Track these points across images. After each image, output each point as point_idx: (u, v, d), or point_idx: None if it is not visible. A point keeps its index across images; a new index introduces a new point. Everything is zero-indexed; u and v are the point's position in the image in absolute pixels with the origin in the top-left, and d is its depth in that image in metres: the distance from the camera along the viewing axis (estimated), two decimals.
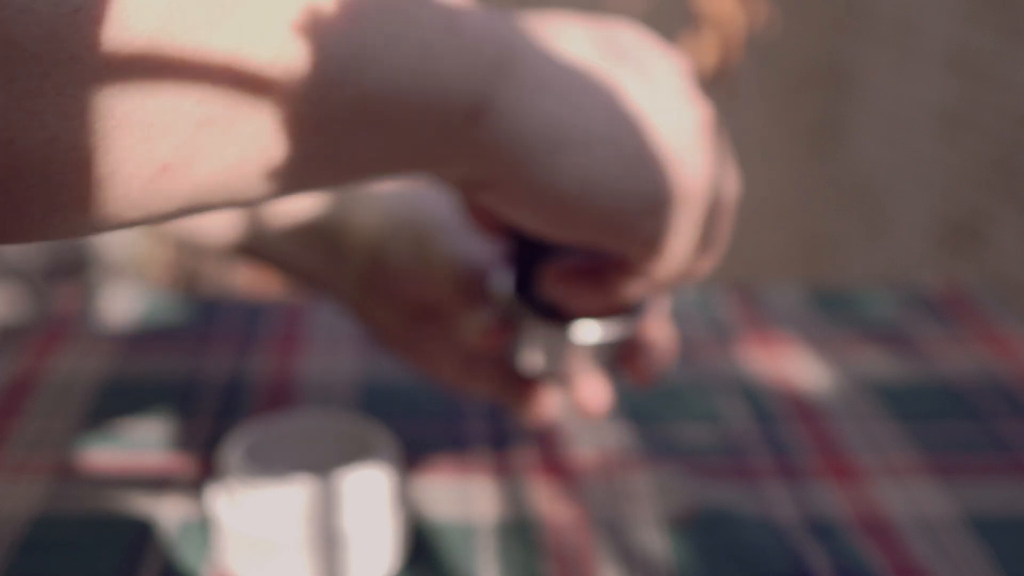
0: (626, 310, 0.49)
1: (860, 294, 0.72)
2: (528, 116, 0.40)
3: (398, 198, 0.56)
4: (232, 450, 0.47)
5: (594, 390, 0.52)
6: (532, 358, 0.49)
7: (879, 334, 0.67)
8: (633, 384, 0.52)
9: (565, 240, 0.42)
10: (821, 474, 0.54)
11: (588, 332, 0.47)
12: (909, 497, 0.52)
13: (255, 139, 0.34)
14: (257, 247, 0.58)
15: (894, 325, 0.68)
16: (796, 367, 0.63)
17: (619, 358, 0.49)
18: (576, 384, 0.52)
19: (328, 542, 0.45)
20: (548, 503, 0.51)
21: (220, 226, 0.58)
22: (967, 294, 0.72)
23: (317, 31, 0.35)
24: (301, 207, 0.57)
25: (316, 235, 0.57)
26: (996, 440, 0.57)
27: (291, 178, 0.36)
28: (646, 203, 0.42)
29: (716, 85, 1.20)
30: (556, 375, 0.49)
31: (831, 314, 0.69)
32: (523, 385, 0.55)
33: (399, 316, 0.56)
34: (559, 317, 0.48)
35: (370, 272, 0.56)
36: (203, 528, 0.49)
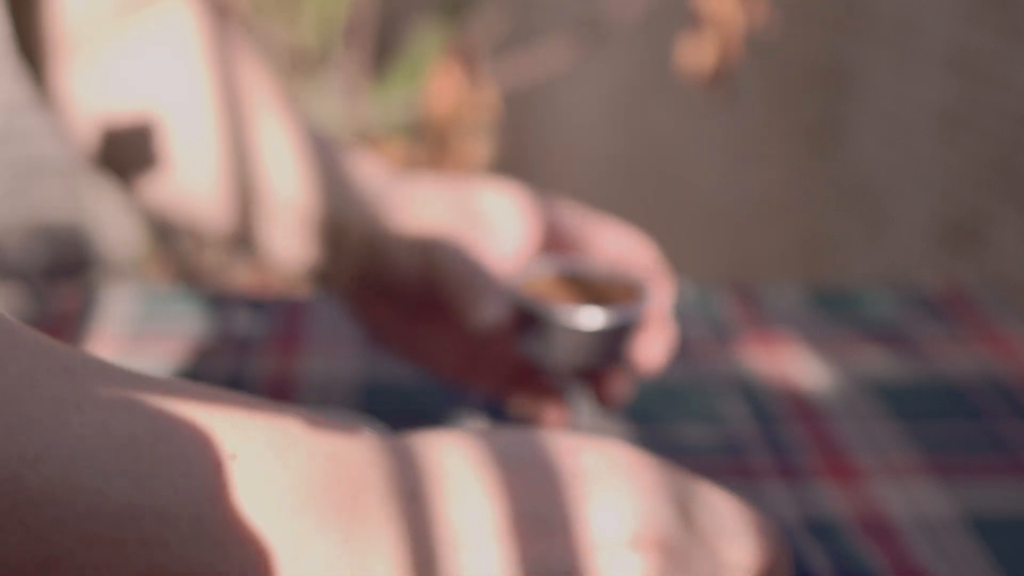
0: (630, 298, 0.50)
1: (860, 294, 0.72)
2: None
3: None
4: None
5: (617, 385, 0.52)
6: (539, 347, 0.49)
7: (879, 334, 0.67)
8: (634, 374, 0.52)
9: None
10: (821, 474, 0.54)
11: (594, 319, 0.48)
12: (909, 497, 0.52)
13: None
14: (257, 238, 0.58)
15: (894, 325, 0.68)
16: (796, 367, 0.63)
17: (626, 346, 0.50)
18: (601, 380, 0.52)
19: None
20: None
21: (221, 217, 0.58)
22: (967, 294, 0.72)
23: None
24: (303, 201, 0.57)
25: (316, 229, 0.57)
26: (996, 440, 0.57)
27: None
28: None
29: (715, 85, 1.20)
30: (564, 364, 0.49)
31: (831, 314, 0.69)
32: (528, 380, 0.55)
33: (397, 313, 0.56)
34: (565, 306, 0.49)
35: (368, 269, 0.56)
36: None
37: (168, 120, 0.58)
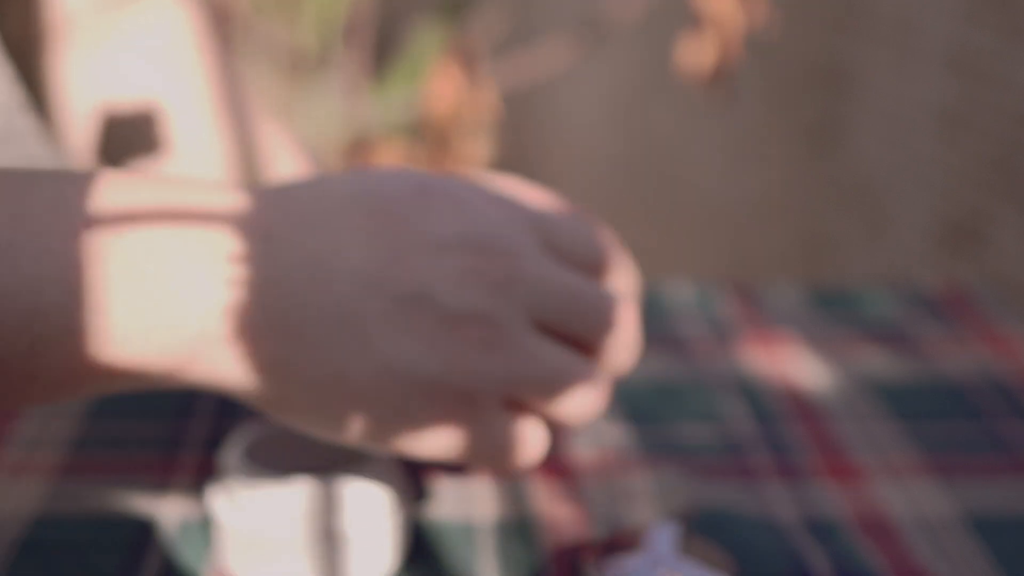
0: None
1: (860, 294, 0.72)
2: None
3: None
4: (232, 450, 0.47)
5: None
6: None
7: (879, 334, 0.67)
8: None
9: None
10: (821, 474, 0.54)
11: None
12: (909, 497, 0.52)
13: None
14: None
15: (894, 325, 0.68)
16: (796, 367, 0.63)
17: None
18: None
19: (328, 542, 0.45)
20: (548, 503, 0.51)
21: None
22: (967, 294, 0.72)
23: None
24: None
25: None
26: (996, 440, 0.57)
27: None
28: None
29: (715, 85, 1.20)
30: None
31: (831, 314, 0.69)
32: None
33: None
34: None
35: None
36: (203, 528, 0.49)
37: (164, 113, 0.58)
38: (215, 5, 0.61)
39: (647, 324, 0.68)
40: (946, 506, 0.52)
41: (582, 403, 0.44)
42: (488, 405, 0.41)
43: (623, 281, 0.47)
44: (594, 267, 0.45)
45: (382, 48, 2.99)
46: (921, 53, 1.17)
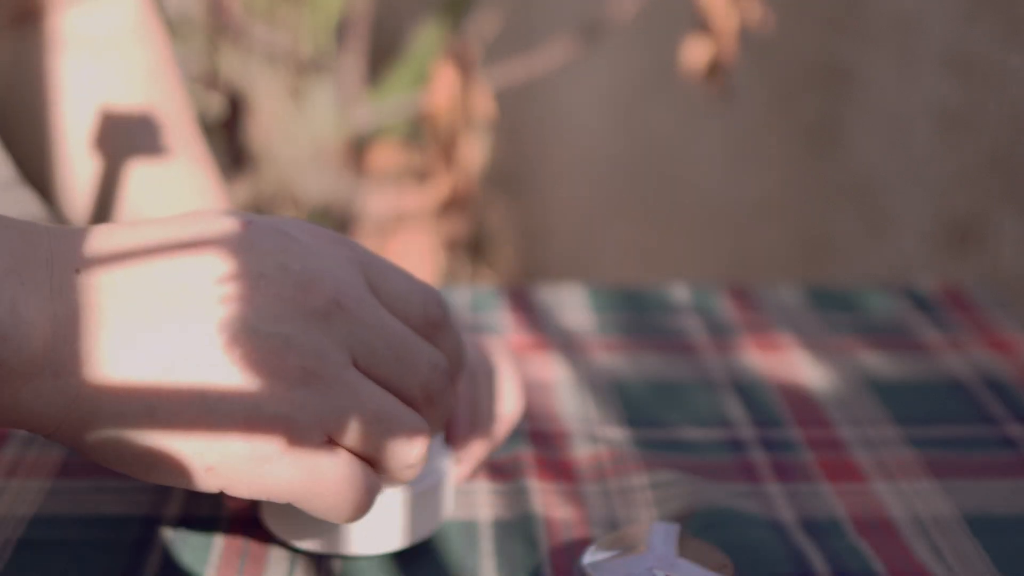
0: None
1: (860, 294, 0.72)
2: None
3: None
4: None
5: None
6: None
7: (879, 334, 0.67)
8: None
9: None
10: (820, 474, 0.54)
11: None
12: (908, 497, 0.52)
13: None
14: None
15: (894, 325, 0.68)
16: (795, 367, 0.63)
17: None
18: None
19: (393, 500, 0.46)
20: (548, 503, 0.51)
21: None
22: (967, 294, 0.72)
23: None
24: None
25: None
26: (996, 440, 0.57)
27: None
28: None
29: (712, 82, 1.20)
30: None
31: (830, 314, 0.69)
32: None
33: None
34: None
35: None
36: (203, 528, 0.49)
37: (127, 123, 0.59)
38: (214, 5, 0.61)
39: (647, 324, 0.68)
40: (946, 506, 0.52)
41: (404, 451, 0.43)
42: (308, 440, 0.41)
43: (450, 350, 0.47)
44: (421, 327, 0.45)
45: (382, 49, 2.99)
46: (921, 53, 1.17)
